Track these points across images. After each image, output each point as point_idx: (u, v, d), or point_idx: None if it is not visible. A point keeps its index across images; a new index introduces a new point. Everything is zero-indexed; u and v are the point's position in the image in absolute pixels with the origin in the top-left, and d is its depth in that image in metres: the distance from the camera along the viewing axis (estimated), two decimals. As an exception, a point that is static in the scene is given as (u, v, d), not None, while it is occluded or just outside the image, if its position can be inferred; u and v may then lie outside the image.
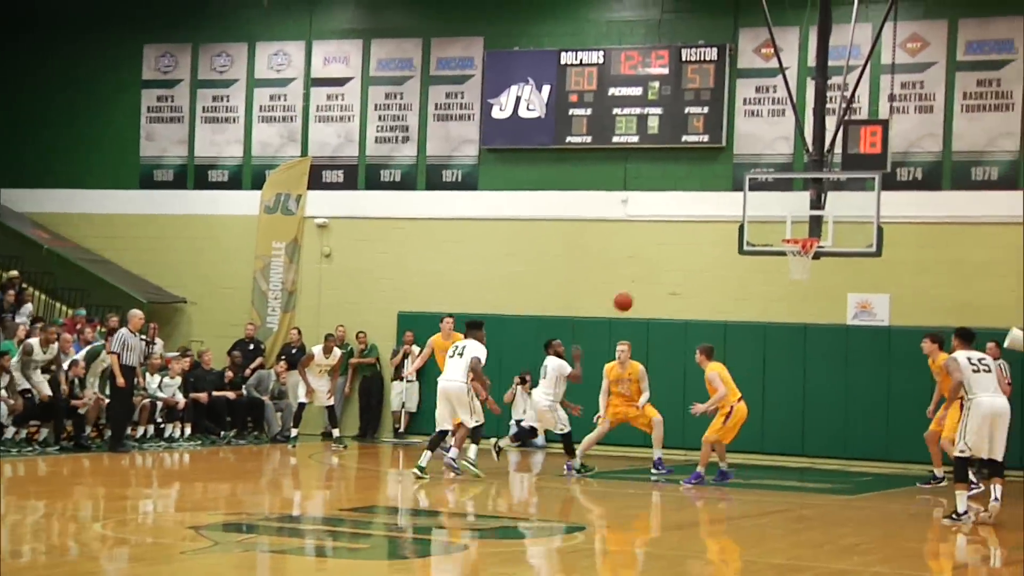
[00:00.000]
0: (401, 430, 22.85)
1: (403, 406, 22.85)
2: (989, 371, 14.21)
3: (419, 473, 16.60)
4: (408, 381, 22.56)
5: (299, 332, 23.20)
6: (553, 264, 22.74)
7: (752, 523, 14.43)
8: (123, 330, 19.33)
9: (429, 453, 16.94)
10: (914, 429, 20.13)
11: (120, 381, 18.86)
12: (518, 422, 21.30)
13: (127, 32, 24.94)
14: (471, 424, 17.04)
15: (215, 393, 21.45)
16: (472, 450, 17.37)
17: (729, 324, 21.31)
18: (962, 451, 14.09)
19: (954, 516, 13.95)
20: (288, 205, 24.17)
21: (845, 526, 14.05)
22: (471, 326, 17.68)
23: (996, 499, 13.97)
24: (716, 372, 17.31)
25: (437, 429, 17.30)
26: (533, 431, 20.28)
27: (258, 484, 17.18)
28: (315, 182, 24.09)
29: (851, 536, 13.21)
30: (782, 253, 18.28)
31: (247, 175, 24.55)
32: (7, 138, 25.30)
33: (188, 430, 20.90)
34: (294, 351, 22.81)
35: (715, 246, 21.24)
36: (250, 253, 24.16)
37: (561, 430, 18.21)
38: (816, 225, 18.28)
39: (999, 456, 14.17)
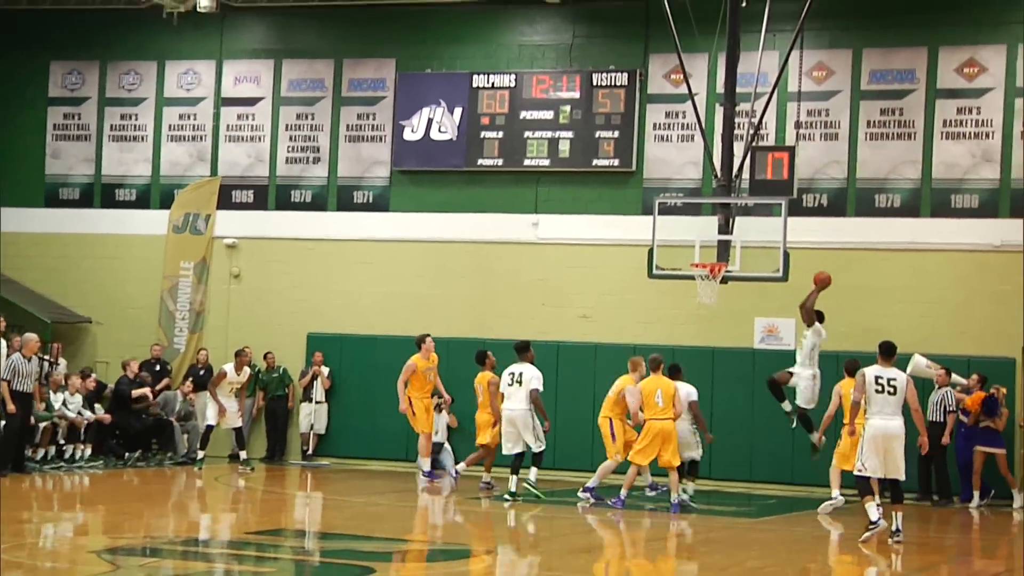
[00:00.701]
0: (310, 452, 22.69)
1: (312, 428, 22.70)
2: (893, 392, 14.37)
3: (510, 498, 17.26)
4: (317, 403, 22.48)
5: (207, 353, 22.99)
6: (463, 286, 22.74)
7: (657, 546, 14.49)
8: (15, 355, 18.95)
9: (515, 477, 17.54)
10: (822, 452, 20.39)
11: (10, 407, 18.48)
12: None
13: (33, 49, 24.61)
14: (536, 448, 17.77)
15: (103, 417, 21.00)
16: (533, 473, 17.88)
17: (638, 347, 21.40)
18: (859, 470, 14.46)
19: (869, 527, 14.30)
20: (197, 225, 23.96)
21: (750, 549, 14.16)
22: (520, 349, 18.25)
23: (898, 528, 14.23)
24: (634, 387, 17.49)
25: (511, 453, 17.86)
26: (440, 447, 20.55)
27: (162, 507, 16.96)
28: (225, 202, 23.90)
29: (756, 559, 13.31)
30: (690, 277, 18.41)
31: (155, 194, 24.30)
32: (-91, 154, 24.86)
33: (88, 451, 20.56)
34: (202, 372, 22.59)
35: (624, 270, 21.36)
36: (158, 273, 23.90)
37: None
38: (724, 250, 18.44)
39: (899, 476, 14.38)
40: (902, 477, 14.43)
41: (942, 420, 19.52)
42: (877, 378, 14.50)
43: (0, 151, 24.76)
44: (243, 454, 20.81)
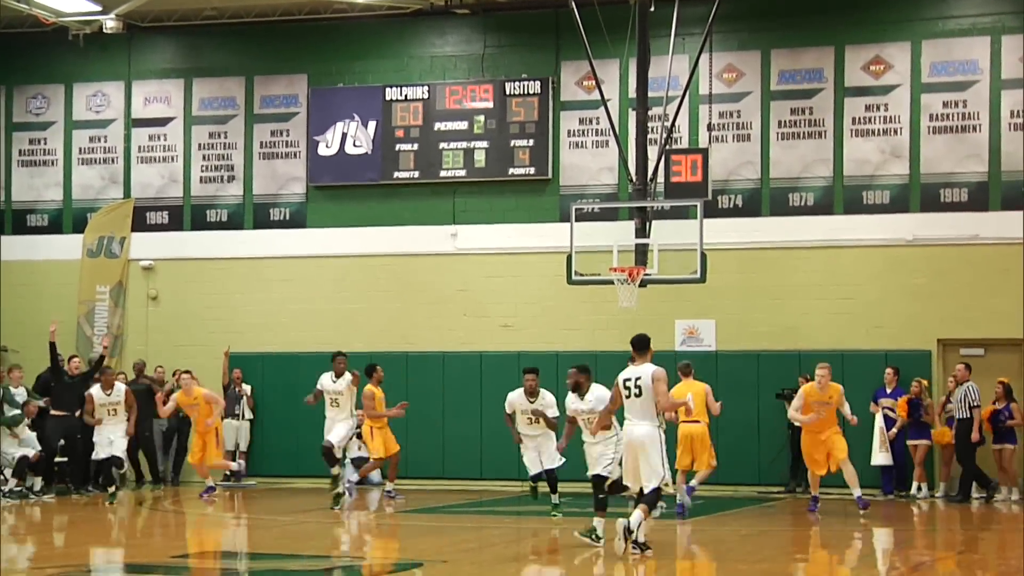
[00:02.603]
0: (240, 470, 22.42)
1: (237, 446, 22.47)
2: (639, 395, 12.92)
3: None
4: (241, 421, 22.30)
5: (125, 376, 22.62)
6: (384, 300, 22.63)
7: (587, 551, 14.46)
8: None
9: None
10: (742, 453, 20.53)
11: None
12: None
13: (-64, 75, 24.22)
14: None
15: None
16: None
17: (560, 354, 21.43)
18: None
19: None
20: (112, 248, 23.67)
21: (678, 549, 14.16)
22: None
23: (628, 530, 12.64)
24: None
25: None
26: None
27: (83, 535, 16.68)
28: (139, 224, 23.65)
29: (684, 559, 13.31)
30: (609, 282, 18.48)
31: (67, 219, 23.99)
32: None
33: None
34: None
35: (544, 277, 21.38)
36: (73, 298, 23.58)
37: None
38: (642, 253, 18.53)
39: (646, 486, 12.86)
40: (646, 487, 12.80)
41: (968, 416, 19.44)
42: (624, 380, 13.10)
43: (-93, 180, 24.31)
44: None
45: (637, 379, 12.91)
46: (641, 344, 13.18)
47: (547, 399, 16.85)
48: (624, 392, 12.94)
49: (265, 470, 22.64)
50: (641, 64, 18.99)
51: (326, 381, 18.18)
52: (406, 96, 22.68)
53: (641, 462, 12.80)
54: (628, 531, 12.56)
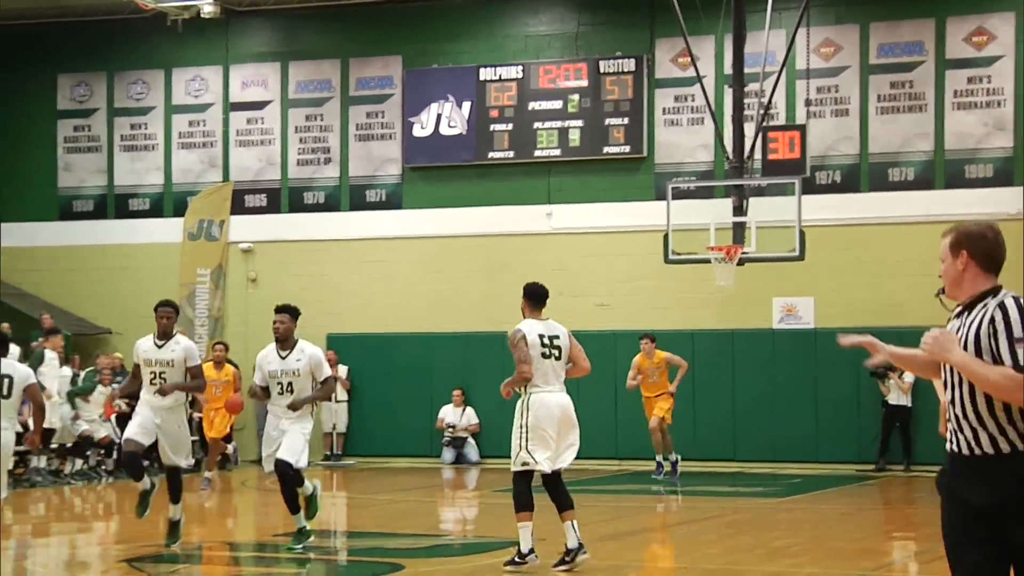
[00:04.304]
0: (338, 452, 22.74)
1: (334, 428, 22.77)
2: (559, 358, 10.67)
3: None
4: (338, 402, 22.53)
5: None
6: (479, 280, 22.76)
7: (685, 530, 14.51)
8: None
9: None
10: (840, 430, 20.41)
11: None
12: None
13: (40, 63, 24.69)
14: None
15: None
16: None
17: (656, 332, 21.42)
18: (525, 463, 10.56)
19: (518, 560, 10.76)
20: (211, 231, 24.04)
21: (776, 529, 14.17)
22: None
23: (578, 546, 10.68)
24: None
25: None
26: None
27: (188, 513, 17.01)
28: (238, 207, 23.99)
29: (782, 539, 13.32)
30: (706, 260, 18.44)
31: (168, 203, 24.40)
32: (-78, 174, 24.99)
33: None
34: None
35: (639, 256, 21.36)
36: (174, 281, 23.96)
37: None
38: (739, 231, 18.47)
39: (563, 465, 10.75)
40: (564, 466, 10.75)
41: None
42: (541, 337, 10.67)
43: (12, 166, 24.87)
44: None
45: (554, 337, 10.65)
46: (542, 295, 10.94)
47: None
48: (540, 352, 10.48)
49: (363, 450, 22.91)
50: (737, 40, 18.91)
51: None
52: (500, 76, 22.76)
53: (572, 436, 10.69)
54: (576, 548, 10.69)
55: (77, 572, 12.12)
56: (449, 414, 21.97)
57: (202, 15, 23.11)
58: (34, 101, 24.87)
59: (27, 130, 24.93)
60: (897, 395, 20.18)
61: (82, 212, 24.71)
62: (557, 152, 22.44)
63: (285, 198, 23.91)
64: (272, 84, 24.02)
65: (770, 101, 19.48)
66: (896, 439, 20.30)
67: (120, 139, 24.66)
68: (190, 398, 14.02)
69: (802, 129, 18.92)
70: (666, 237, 18.65)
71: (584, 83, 22.34)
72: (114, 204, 24.65)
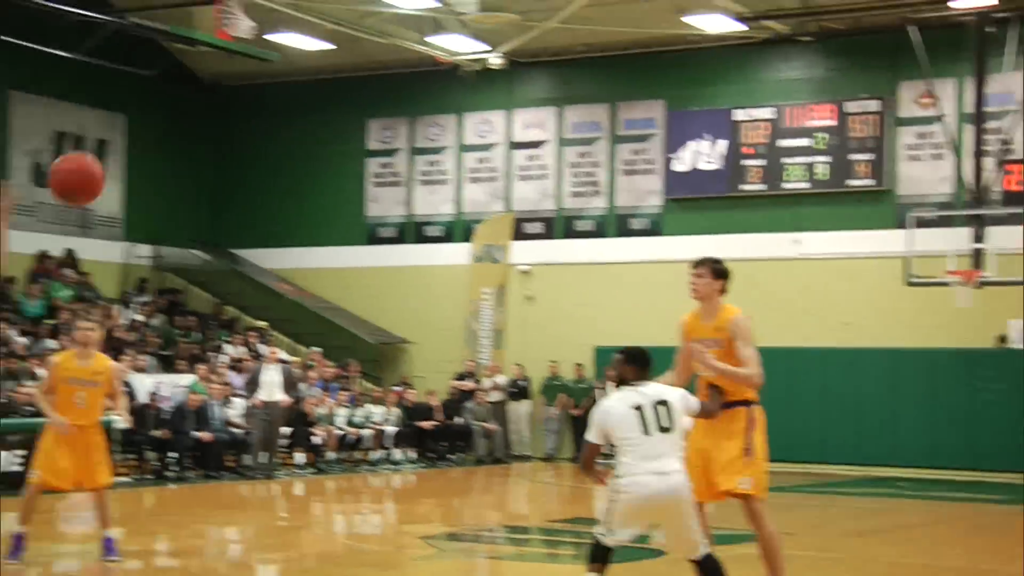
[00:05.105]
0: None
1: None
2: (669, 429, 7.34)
3: None
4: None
5: (521, 369, 23.18)
6: (731, 301, 22.23)
7: (925, 531, 13.87)
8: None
9: None
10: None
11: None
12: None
13: (353, 110, 25.52)
14: None
15: (422, 424, 21.48)
16: None
17: (897, 351, 20.65)
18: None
19: None
20: (495, 255, 24.35)
21: (1018, 534, 13.38)
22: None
23: None
24: None
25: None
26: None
27: (474, 500, 17.23)
28: (518, 233, 24.24)
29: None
30: (945, 284, 17.70)
31: (458, 230, 24.83)
32: (255, 206, 26.09)
33: (412, 454, 21.11)
34: (522, 383, 22.96)
35: (880, 279, 20.64)
36: (462, 298, 24.37)
37: None
38: (978, 257, 17.67)
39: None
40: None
41: None
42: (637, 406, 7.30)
43: (327, 198, 25.74)
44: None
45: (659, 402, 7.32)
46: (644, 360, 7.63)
47: None
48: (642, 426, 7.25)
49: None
50: (978, 81, 18.12)
51: None
52: (753, 117, 22.37)
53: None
54: None
55: (374, 545, 12.33)
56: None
57: (489, 66, 23.49)
58: (347, 142, 25.68)
59: (341, 167, 25.77)
60: None
61: (386, 237, 25.37)
62: (805, 185, 21.91)
63: (559, 226, 24.04)
64: (549, 125, 24.20)
65: (1011, 137, 18.57)
66: None
67: (419, 174, 25.24)
68: None
69: (1040, 163, 17.98)
70: (908, 262, 17.97)
71: (831, 122, 21.74)
72: (413, 231, 25.23)
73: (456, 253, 24.53)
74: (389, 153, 25.46)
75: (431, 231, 25.06)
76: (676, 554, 7.43)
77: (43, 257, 22.80)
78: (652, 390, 7.40)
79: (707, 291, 8.33)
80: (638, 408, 7.24)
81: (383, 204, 25.43)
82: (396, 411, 21.32)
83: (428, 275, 24.71)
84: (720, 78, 22.84)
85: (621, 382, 7.48)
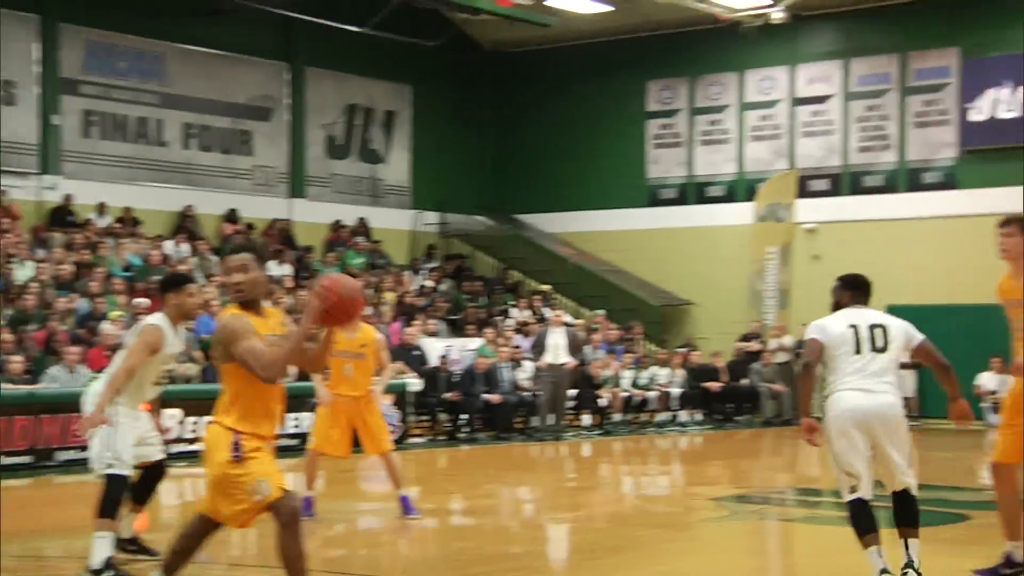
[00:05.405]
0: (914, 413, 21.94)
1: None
2: (883, 348, 7.16)
3: None
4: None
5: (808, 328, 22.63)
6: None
7: None
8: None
9: None
10: None
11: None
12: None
13: (632, 72, 25.43)
14: None
15: (708, 385, 21.31)
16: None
17: None
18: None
19: None
20: (779, 214, 23.84)
21: None
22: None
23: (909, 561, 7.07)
24: None
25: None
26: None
27: (763, 462, 16.98)
28: (803, 191, 23.65)
29: None
30: None
31: (741, 189, 24.45)
32: (536, 171, 26.40)
33: (698, 416, 21.02)
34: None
35: None
36: (745, 259, 23.98)
37: None
38: None
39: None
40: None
41: None
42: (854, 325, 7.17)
43: (609, 163, 25.79)
44: None
45: (875, 325, 7.16)
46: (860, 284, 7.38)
47: None
48: (855, 343, 7.11)
49: (931, 413, 21.92)
50: None
51: None
52: (1060, 60, 21.05)
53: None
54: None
55: (663, 506, 12.30)
56: (989, 380, 20.53)
57: (771, 21, 22.95)
58: (627, 104, 25.64)
59: (621, 130, 25.75)
60: None
61: (667, 199, 25.24)
62: (1116, 131, 20.46)
63: (846, 182, 23.33)
64: (835, 80, 23.48)
65: None
66: None
67: (699, 135, 24.96)
68: None
69: None
70: None
71: None
72: (694, 192, 25.00)
73: (739, 213, 24.15)
74: (669, 114, 25.27)
75: (713, 191, 24.77)
76: (883, 480, 7.18)
77: (337, 226, 23.79)
78: (870, 313, 7.34)
79: (1017, 251, 7.73)
80: (853, 327, 7.21)
81: (664, 165, 25.29)
82: (681, 373, 21.25)
83: (710, 236, 24.45)
84: (1021, 20, 21.55)
85: (836, 308, 7.42)
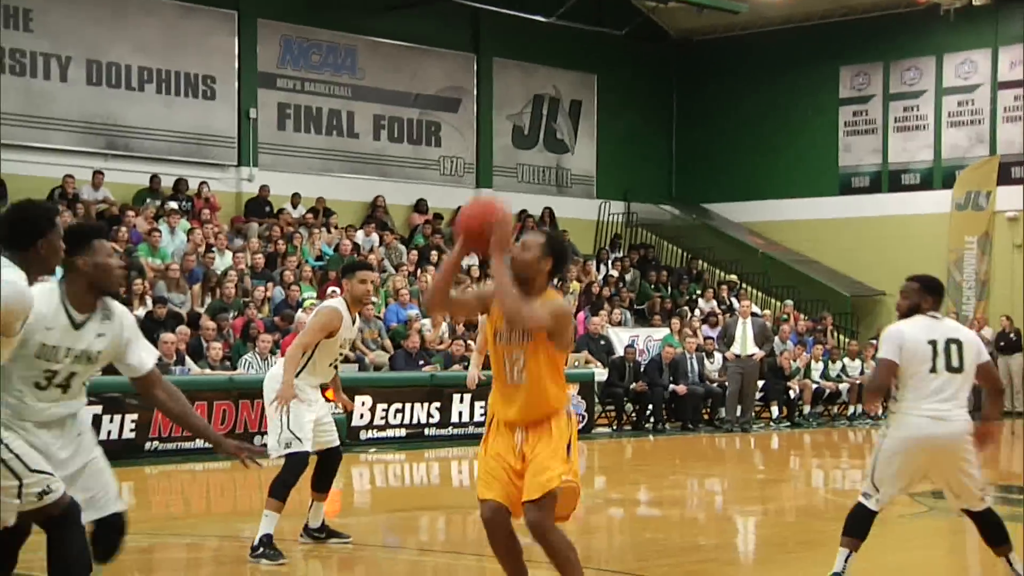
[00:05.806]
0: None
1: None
2: (959, 369, 6.57)
3: None
4: None
5: (1009, 319, 21.84)
6: None
7: None
8: None
9: None
10: None
11: None
12: None
13: (824, 58, 24.85)
14: None
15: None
16: None
17: None
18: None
19: None
20: (978, 201, 23.03)
21: None
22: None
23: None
24: None
25: None
26: None
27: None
28: (1004, 178, 22.79)
29: None
30: None
31: (937, 176, 23.69)
32: (723, 160, 26.03)
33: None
34: (1012, 336, 21.63)
35: None
36: (941, 248, 23.20)
37: None
38: None
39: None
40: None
41: None
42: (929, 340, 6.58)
43: (798, 151, 25.27)
44: None
45: (952, 340, 6.59)
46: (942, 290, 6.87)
47: None
48: (931, 361, 6.55)
49: None
50: None
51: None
52: None
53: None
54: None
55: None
56: None
57: (973, 3, 22.15)
58: (818, 91, 25.07)
59: (812, 117, 25.20)
60: None
61: (859, 187, 24.61)
62: None
63: (1052, 169, 22.37)
64: (1040, 63, 22.54)
65: None
66: None
67: (894, 121, 24.26)
68: None
69: None
70: None
71: None
72: (887, 179, 24.31)
73: (935, 201, 23.39)
74: (862, 100, 24.61)
75: (908, 179, 24.04)
76: (955, 506, 6.76)
77: (524, 216, 23.90)
78: (948, 325, 6.71)
79: None
80: (932, 343, 6.54)
81: (856, 153, 24.65)
82: (873, 365, 20.65)
83: (905, 224, 23.74)
84: None
85: (911, 311, 6.67)
